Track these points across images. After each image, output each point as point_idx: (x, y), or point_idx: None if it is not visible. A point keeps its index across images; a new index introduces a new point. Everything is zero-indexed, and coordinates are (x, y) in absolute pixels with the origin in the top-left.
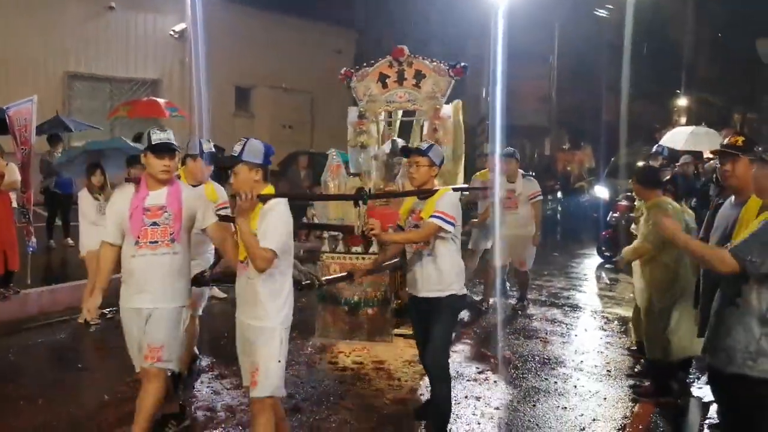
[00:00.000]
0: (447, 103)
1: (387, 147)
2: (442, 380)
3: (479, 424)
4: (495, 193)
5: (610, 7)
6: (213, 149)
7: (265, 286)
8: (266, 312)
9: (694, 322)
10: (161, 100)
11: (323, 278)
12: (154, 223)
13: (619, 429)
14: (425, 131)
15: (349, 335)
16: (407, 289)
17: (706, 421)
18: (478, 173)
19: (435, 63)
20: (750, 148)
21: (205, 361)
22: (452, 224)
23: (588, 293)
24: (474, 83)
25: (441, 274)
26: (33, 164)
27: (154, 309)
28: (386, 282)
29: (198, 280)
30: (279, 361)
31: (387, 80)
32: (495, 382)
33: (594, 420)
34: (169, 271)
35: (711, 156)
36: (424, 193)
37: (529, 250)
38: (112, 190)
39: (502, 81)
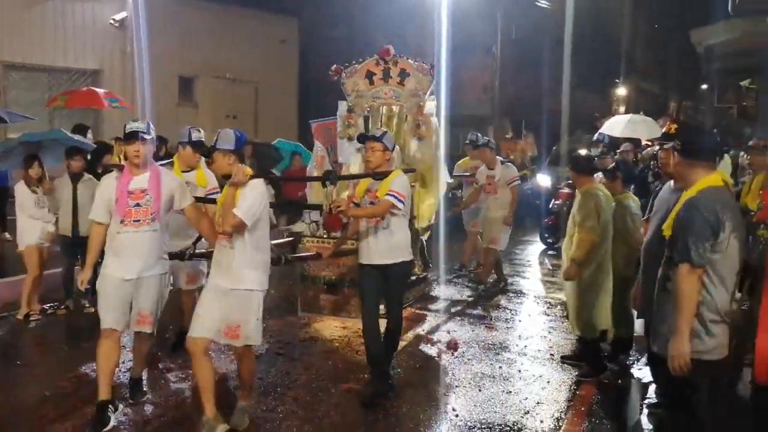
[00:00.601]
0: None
1: None
2: (398, 327)
3: (426, 410)
4: (441, 179)
5: None
6: (202, 138)
7: (242, 255)
8: (243, 278)
9: (610, 301)
10: (101, 90)
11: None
12: (138, 204)
13: (562, 411)
14: (408, 126)
15: (329, 312)
16: (360, 259)
17: (645, 401)
18: (460, 161)
19: (418, 63)
20: (681, 135)
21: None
22: (403, 202)
23: (531, 279)
24: None
25: (394, 245)
26: None
27: (139, 279)
28: None
29: (180, 255)
30: (257, 319)
31: (374, 77)
32: (440, 367)
33: (538, 403)
34: (151, 246)
35: (648, 143)
36: (380, 175)
37: (503, 229)
38: (51, 182)
39: (446, 71)
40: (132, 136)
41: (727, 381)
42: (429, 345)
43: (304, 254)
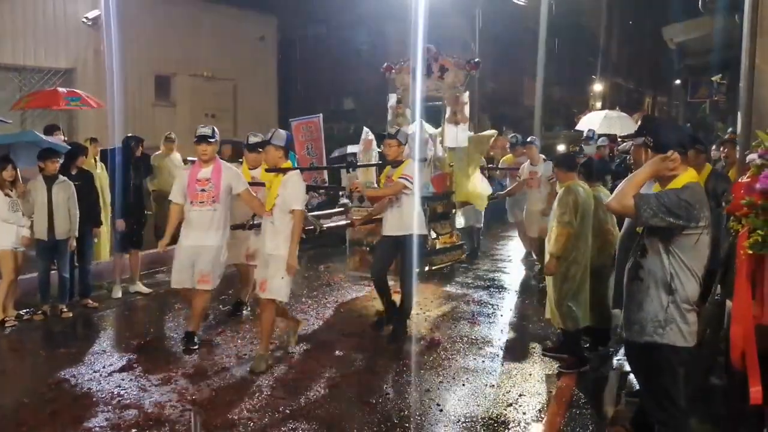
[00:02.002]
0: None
1: (414, 127)
2: (410, 292)
3: (411, 405)
4: (416, 175)
5: None
6: (258, 140)
7: (282, 229)
8: (280, 246)
9: (588, 293)
10: (63, 90)
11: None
12: (203, 190)
13: (544, 403)
14: (447, 114)
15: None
16: (382, 231)
17: (624, 390)
18: (505, 157)
19: (455, 59)
20: (650, 131)
21: (129, 358)
22: (412, 183)
23: (512, 274)
24: None
25: (403, 219)
26: None
27: (200, 246)
28: None
29: (241, 226)
30: (282, 278)
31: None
32: (425, 363)
33: (521, 395)
34: (211, 222)
35: (622, 139)
36: (395, 163)
37: (545, 220)
38: (24, 185)
39: (426, 66)
40: (201, 139)
41: (703, 369)
42: (413, 342)
43: (339, 223)
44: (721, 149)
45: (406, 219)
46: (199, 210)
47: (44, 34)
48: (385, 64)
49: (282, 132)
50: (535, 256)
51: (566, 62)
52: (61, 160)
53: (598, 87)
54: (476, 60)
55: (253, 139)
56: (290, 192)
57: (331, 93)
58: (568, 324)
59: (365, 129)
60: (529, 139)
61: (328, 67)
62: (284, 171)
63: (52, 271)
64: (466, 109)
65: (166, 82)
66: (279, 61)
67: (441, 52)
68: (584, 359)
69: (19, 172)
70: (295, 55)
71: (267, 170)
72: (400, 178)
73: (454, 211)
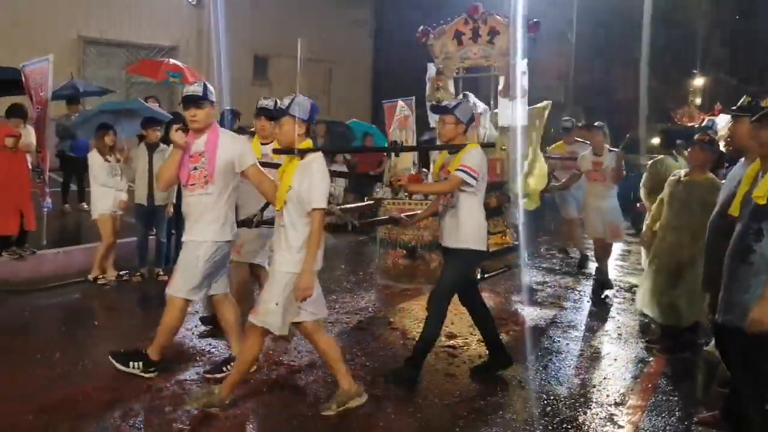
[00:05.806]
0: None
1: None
2: (434, 318)
3: (495, 381)
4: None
5: None
6: (266, 105)
7: (295, 234)
8: (286, 258)
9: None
10: (168, 61)
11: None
12: (195, 168)
13: (629, 387)
14: (500, 87)
15: (408, 279)
16: (439, 240)
17: (715, 380)
18: (553, 145)
19: (509, 19)
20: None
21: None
22: (475, 178)
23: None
24: None
25: (459, 228)
26: (48, 124)
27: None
28: None
29: (248, 223)
30: (277, 303)
31: (462, 37)
32: (510, 344)
33: (605, 378)
34: (204, 210)
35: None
36: (452, 148)
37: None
38: (128, 151)
39: (522, 56)
40: (189, 101)
41: None
42: (498, 324)
43: (376, 218)
44: None
45: (463, 227)
46: (190, 195)
47: (150, 13)
48: (421, 27)
49: (303, 99)
50: (595, 262)
51: (664, 55)
52: (162, 130)
53: (698, 81)
54: (535, 20)
55: (263, 102)
56: (312, 186)
57: (424, 82)
58: (686, 320)
59: (400, 103)
60: (596, 124)
61: (423, 56)
62: (302, 153)
63: (151, 237)
64: (525, 80)
65: (264, 63)
66: (374, 45)
67: (490, 12)
68: (686, 345)
69: (124, 139)
70: (391, 41)
71: (275, 151)
72: (457, 170)
73: (507, 204)
